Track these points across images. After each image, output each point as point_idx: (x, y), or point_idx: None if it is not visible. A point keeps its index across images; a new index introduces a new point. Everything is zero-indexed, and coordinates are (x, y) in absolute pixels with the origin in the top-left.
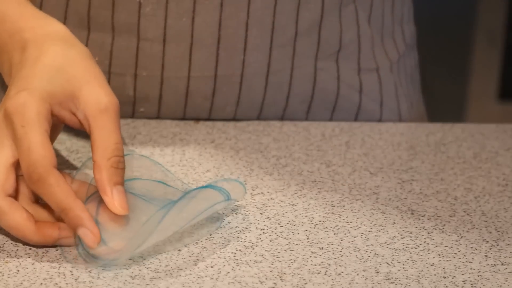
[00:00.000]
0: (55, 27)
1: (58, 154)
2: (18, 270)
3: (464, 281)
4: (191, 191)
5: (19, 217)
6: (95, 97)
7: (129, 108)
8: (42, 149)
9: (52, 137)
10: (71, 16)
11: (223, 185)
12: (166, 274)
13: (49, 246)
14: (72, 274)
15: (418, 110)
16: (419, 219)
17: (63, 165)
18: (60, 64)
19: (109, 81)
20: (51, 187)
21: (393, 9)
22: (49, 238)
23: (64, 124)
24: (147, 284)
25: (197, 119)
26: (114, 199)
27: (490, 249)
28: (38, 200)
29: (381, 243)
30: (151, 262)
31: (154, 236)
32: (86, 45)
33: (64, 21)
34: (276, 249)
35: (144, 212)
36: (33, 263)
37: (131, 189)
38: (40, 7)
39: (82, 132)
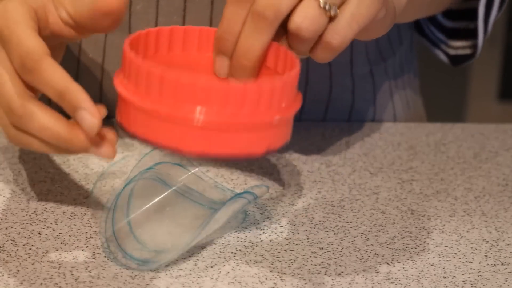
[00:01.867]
0: None
1: (58, 154)
2: (18, 270)
3: (464, 281)
4: (230, 200)
5: (50, 115)
6: None
7: None
8: (34, 39)
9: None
10: None
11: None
12: (166, 274)
13: (72, 153)
14: (72, 274)
15: (416, 111)
16: (419, 219)
17: (63, 165)
18: None
19: (102, 78)
20: (47, 71)
21: None
22: (80, 136)
23: (65, 45)
24: (147, 284)
25: None
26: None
27: (490, 249)
28: None
29: (381, 243)
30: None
31: (199, 237)
32: (80, 41)
33: None
34: (276, 249)
35: (172, 203)
36: (33, 263)
37: (159, 174)
38: None
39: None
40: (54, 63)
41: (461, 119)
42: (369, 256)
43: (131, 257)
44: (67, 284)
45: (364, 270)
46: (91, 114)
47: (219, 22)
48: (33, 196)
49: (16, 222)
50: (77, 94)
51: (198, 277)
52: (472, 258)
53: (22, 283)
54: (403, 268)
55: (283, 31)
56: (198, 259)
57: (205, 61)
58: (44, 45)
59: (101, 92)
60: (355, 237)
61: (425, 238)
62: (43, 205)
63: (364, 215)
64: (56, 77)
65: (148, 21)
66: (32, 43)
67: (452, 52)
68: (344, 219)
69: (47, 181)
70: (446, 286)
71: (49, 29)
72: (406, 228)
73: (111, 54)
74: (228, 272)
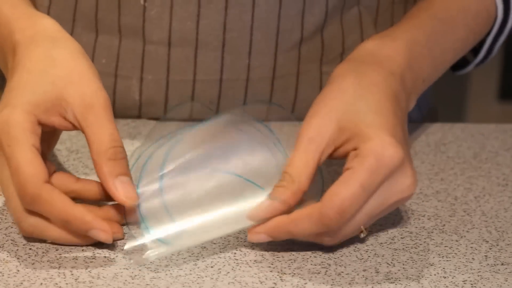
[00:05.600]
0: (43, 25)
1: (58, 154)
2: (18, 270)
3: (464, 281)
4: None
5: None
6: (80, 95)
7: (135, 112)
8: (31, 167)
9: (51, 143)
10: (79, 19)
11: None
12: (166, 274)
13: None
14: (72, 274)
15: (429, 113)
16: (419, 219)
17: (63, 165)
18: (43, 67)
19: (115, 84)
20: (47, 203)
21: (406, 12)
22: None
23: (61, 131)
24: (147, 284)
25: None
26: (118, 191)
27: (490, 249)
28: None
29: (381, 243)
30: (151, 262)
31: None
32: (94, 47)
33: (73, 24)
34: (276, 249)
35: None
36: (33, 263)
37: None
38: (48, 10)
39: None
40: (52, 192)
41: (461, 119)
42: (369, 256)
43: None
44: (67, 284)
45: (364, 270)
46: (102, 232)
47: (233, 27)
48: None
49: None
50: (83, 218)
51: (198, 277)
52: (472, 258)
53: (22, 283)
54: (403, 268)
55: None
56: (198, 259)
57: None
58: (42, 172)
59: (114, 97)
60: (355, 237)
61: (425, 238)
62: None
63: None
64: (56, 208)
65: (162, 26)
66: (29, 173)
67: None
68: None
69: None
70: (446, 286)
71: (52, 129)
72: (406, 228)
73: (125, 59)
74: (228, 272)
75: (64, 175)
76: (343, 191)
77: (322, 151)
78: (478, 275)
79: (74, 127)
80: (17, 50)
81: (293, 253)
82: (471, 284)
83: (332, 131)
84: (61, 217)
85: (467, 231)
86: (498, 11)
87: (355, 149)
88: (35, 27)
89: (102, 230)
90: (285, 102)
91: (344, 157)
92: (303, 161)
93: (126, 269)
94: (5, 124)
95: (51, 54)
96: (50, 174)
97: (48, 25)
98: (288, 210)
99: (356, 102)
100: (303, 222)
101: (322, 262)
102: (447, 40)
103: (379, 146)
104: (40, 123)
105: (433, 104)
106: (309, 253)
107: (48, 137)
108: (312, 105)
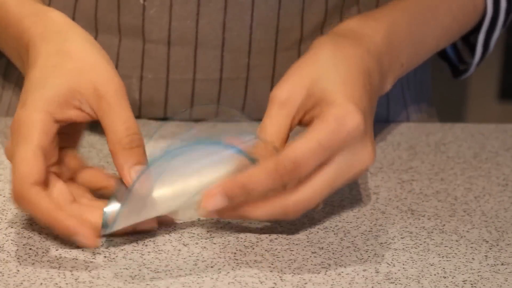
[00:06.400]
0: (51, 19)
1: None
2: (18, 270)
3: (464, 281)
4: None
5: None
6: (92, 85)
7: (135, 112)
8: (23, 166)
9: (73, 139)
10: (79, 17)
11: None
12: (166, 274)
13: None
14: (72, 274)
15: (429, 114)
16: (419, 219)
17: None
18: (54, 62)
19: None
20: (30, 204)
21: None
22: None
23: (85, 123)
24: (147, 284)
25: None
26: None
27: (490, 249)
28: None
29: (381, 243)
30: (151, 262)
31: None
32: None
33: None
34: (276, 249)
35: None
36: (33, 263)
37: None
38: None
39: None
40: (38, 193)
41: (461, 119)
42: (369, 256)
43: None
44: (67, 284)
45: (364, 270)
46: (84, 237)
47: (232, 27)
48: None
49: (16, 222)
50: (65, 223)
51: (198, 277)
52: (472, 258)
53: (22, 283)
54: (403, 268)
55: None
56: (198, 259)
57: None
58: (34, 173)
59: None
60: (355, 237)
61: (425, 238)
62: None
63: (364, 215)
64: (40, 209)
65: (161, 26)
66: (20, 172)
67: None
68: (344, 219)
69: None
70: (446, 286)
71: (69, 122)
72: (406, 228)
73: (124, 58)
74: (228, 272)
75: (93, 171)
76: (300, 144)
77: (293, 116)
78: (478, 275)
79: (93, 118)
80: (30, 49)
81: (293, 253)
82: (471, 284)
83: (302, 97)
84: (44, 220)
85: (467, 231)
86: (487, 6)
87: (319, 114)
88: (43, 23)
89: (84, 235)
90: None
91: (311, 123)
92: (275, 127)
93: (126, 269)
94: (17, 124)
95: (62, 49)
96: (77, 169)
97: (55, 18)
98: None
99: (328, 70)
100: (258, 174)
101: (322, 262)
102: (429, 26)
103: (341, 111)
104: (57, 120)
105: (433, 104)
106: (309, 253)
107: (72, 130)
108: (286, 72)
